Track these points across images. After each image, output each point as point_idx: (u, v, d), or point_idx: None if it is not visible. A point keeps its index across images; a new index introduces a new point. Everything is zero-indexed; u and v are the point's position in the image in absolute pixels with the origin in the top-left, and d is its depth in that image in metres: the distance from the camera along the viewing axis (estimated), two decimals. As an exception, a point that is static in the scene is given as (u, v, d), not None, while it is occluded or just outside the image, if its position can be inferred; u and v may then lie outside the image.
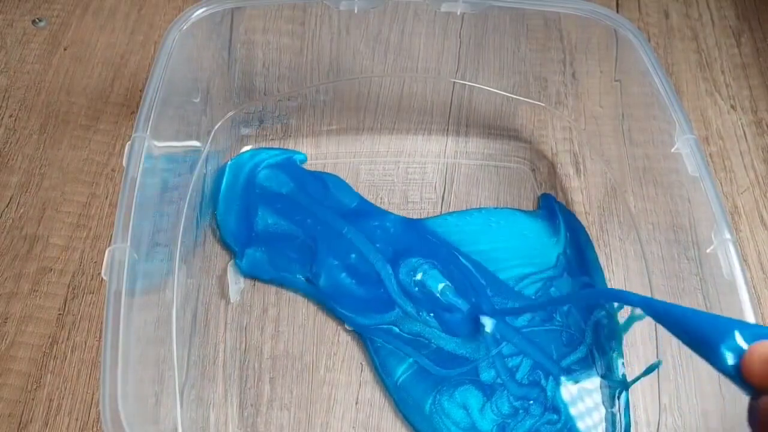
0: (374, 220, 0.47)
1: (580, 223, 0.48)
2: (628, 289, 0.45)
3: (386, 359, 0.42)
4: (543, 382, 0.41)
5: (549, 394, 0.41)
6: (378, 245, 0.46)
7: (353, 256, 0.45)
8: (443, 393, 0.41)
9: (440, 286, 0.44)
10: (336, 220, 0.47)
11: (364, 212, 0.47)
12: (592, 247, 0.47)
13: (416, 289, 0.44)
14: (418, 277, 0.45)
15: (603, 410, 0.41)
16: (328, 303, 0.43)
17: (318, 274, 0.44)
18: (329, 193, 0.48)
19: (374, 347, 0.42)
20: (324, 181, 0.49)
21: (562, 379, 0.42)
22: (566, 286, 0.45)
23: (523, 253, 0.46)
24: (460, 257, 0.46)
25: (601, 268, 0.46)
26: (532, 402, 0.41)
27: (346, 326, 0.43)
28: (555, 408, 0.41)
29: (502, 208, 0.48)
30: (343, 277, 0.44)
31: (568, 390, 0.41)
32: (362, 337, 0.43)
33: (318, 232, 0.46)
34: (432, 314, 0.43)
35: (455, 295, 0.44)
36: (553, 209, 0.48)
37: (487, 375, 0.41)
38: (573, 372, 0.42)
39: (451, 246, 0.46)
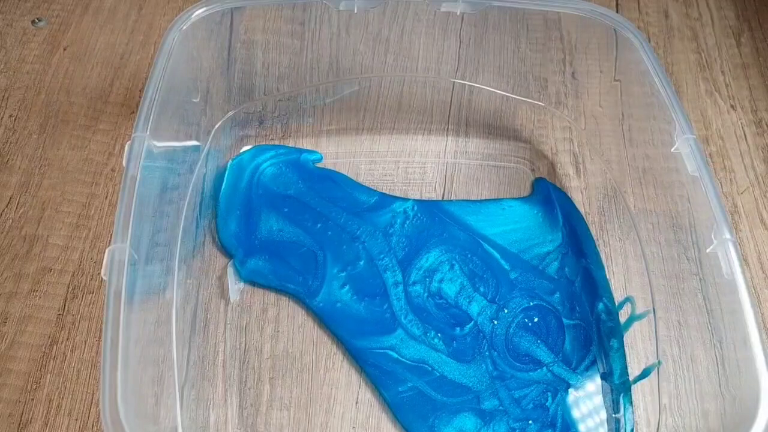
0: (391, 211, 0.47)
1: (572, 203, 0.48)
2: (627, 289, 0.45)
3: (383, 379, 0.41)
4: (549, 402, 0.41)
5: (551, 411, 0.41)
6: (394, 240, 0.45)
7: (361, 263, 0.45)
8: (441, 419, 0.40)
9: (458, 288, 0.44)
10: (351, 220, 0.46)
11: (383, 205, 0.47)
12: (586, 225, 0.47)
13: (430, 300, 0.44)
14: (436, 284, 0.44)
15: (604, 414, 0.41)
16: (324, 321, 0.43)
17: (318, 288, 0.43)
18: (345, 193, 0.48)
19: (369, 367, 0.41)
20: (336, 180, 0.48)
21: (570, 388, 0.41)
22: (573, 262, 0.46)
23: (539, 232, 0.47)
24: (483, 243, 0.46)
25: (594, 242, 0.47)
26: (531, 422, 0.40)
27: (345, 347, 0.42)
28: (553, 423, 0.40)
29: (503, 198, 0.49)
30: (343, 293, 0.44)
31: (570, 396, 0.41)
32: (357, 361, 0.41)
33: (327, 238, 0.45)
34: (440, 334, 0.42)
35: (472, 295, 0.44)
36: (547, 191, 0.48)
37: (489, 403, 0.41)
38: (580, 377, 0.42)
39: (471, 230, 0.46)
